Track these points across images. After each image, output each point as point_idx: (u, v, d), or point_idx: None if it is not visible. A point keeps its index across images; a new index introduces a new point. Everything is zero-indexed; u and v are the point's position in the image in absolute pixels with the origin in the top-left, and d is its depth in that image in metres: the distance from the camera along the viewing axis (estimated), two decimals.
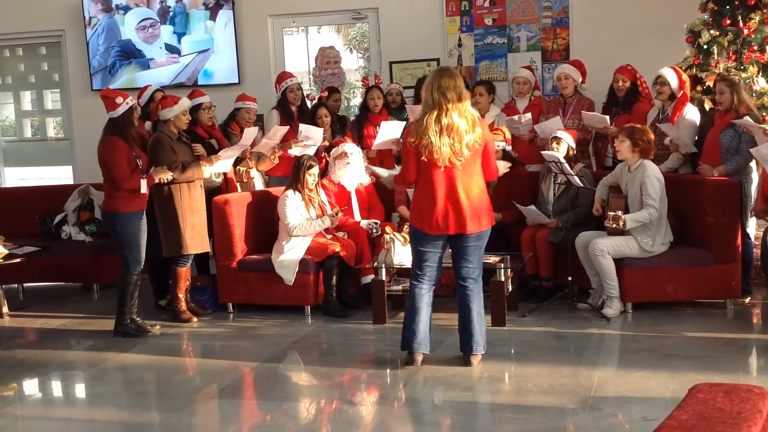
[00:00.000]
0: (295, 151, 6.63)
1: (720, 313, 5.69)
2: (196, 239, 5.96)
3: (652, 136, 5.72)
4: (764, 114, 6.10)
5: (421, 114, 4.52)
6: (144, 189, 5.61)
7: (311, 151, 6.70)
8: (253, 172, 6.75)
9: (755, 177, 5.84)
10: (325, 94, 7.64)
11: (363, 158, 6.72)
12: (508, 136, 6.49)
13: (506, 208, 6.29)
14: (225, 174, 6.47)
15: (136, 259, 5.64)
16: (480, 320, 4.67)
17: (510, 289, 5.72)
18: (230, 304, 6.32)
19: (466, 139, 4.42)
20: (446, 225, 4.52)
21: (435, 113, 4.42)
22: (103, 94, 5.61)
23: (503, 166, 5.59)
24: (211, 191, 6.33)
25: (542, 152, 6.06)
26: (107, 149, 5.52)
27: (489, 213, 4.65)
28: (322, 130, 6.78)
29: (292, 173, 6.22)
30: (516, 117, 6.82)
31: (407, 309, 4.70)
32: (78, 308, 6.72)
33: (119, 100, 5.49)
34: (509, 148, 6.43)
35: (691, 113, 6.16)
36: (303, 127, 6.73)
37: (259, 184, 6.82)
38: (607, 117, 6.43)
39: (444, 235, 4.56)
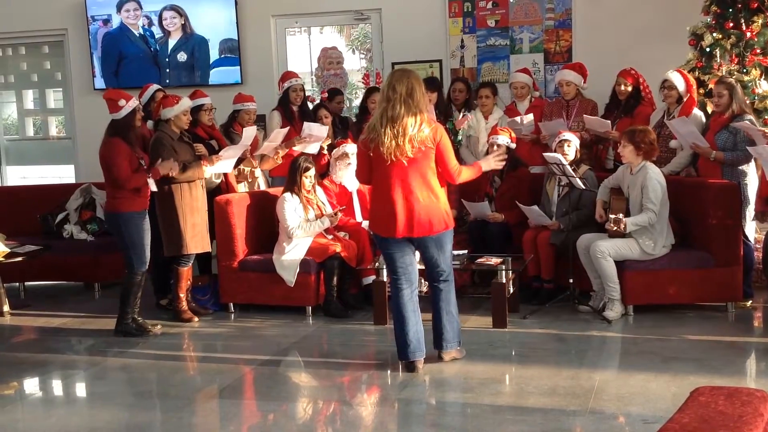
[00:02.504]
0: (299, 148, 6.64)
1: (721, 316, 5.69)
2: (196, 239, 5.96)
3: (654, 136, 5.71)
4: (766, 117, 6.09)
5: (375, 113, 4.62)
6: (153, 186, 5.60)
7: (315, 148, 6.71)
8: (257, 172, 6.77)
9: (753, 180, 5.84)
10: (326, 95, 7.67)
11: None
12: (515, 134, 6.49)
13: (509, 209, 6.30)
14: (225, 174, 6.48)
15: (141, 259, 5.63)
16: (450, 318, 4.69)
17: (511, 291, 5.72)
18: (231, 304, 6.32)
19: (409, 133, 4.41)
20: (395, 227, 4.50)
21: (383, 106, 4.49)
22: (106, 96, 5.60)
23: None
24: (211, 192, 6.33)
25: (544, 154, 6.05)
26: (108, 150, 5.51)
27: (445, 216, 4.58)
28: (326, 127, 6.79)
29: (288, 176, 6.22)
30: (518, 118, 6.82)
31: (394, 318, 4.68)
32: (79, 307, 6.73)
33: (122, 102, 5.48)
34: (514, 146, 6.43)
35: (698, 115, 6.15)
36: (306, 125, 6.75)
37: (263, 184, 6.84)
38: (609, 122, 6.43)
39: (397, 237, 4.53)
